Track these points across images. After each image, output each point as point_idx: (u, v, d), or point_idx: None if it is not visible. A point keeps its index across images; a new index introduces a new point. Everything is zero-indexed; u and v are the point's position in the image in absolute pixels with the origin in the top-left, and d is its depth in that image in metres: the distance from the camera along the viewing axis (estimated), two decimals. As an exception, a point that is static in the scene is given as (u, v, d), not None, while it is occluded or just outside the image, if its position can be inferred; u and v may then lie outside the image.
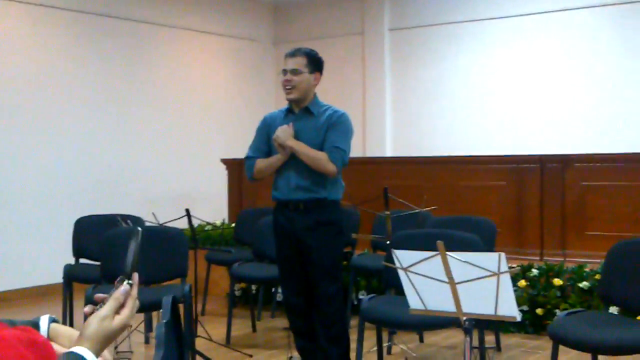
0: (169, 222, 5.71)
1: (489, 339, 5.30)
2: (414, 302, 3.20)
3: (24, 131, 8.16)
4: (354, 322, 5.56)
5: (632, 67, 8.57)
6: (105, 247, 5.15)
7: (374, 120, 10.29)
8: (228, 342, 5.94)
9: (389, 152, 10.14)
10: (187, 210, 5.73)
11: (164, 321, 2.69)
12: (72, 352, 1.55)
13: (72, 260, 6.31)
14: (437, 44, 9.87)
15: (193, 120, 9.99)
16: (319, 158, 4.39)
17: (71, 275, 6.05)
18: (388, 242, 4.83)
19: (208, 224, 6.85)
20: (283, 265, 4.67)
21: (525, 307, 6.00)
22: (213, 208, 8.90)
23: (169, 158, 9.63)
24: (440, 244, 2.95)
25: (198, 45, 10.17)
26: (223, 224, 7.27)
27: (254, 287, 7.01)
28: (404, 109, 10.15)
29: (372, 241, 6.67)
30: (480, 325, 4.50)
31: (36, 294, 8.01)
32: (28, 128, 8.19)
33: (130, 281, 1.65)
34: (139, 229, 1.73)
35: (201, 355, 5.20)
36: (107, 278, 5.07)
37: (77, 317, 6.15)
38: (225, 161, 8.75)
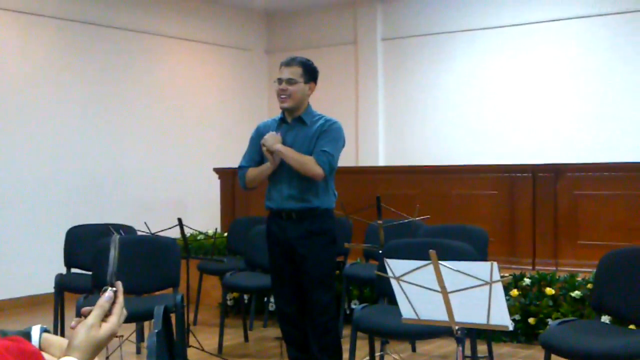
0: (161, 231, 5.70)
1: (482, 348, 5.30)
2: (406, 312, 3.19)
3: (15, 140, 8.14)
4: (346, 331, 5.55)
5: (624, 77, 8.60)
6: (96, 257, 5.12)
7: (366, 129, 10.30)
8: (220, 352, 5.92)
9: (381, 162, 10.15)
10: (180, 220, 5.73)
11: (156, 331, 2.68)
12: (61, 363, 1.54)
13: (63, 270, 6.28)
14: (429, 54, 9.89)
15: (186, 129, 9.98)
16: (306, 162, 4.39)
17: (63, 285, 6.03)
18: (380, 252, 4.82)
19: (200, 233, 6.84)
20: (276, 275, 4.67)
21: (517, 316, 6.01)
22: (205, 217, 8.88)
23: (162, 167, 9.61)
24: (432, 253, 2.95)
25: (191, 54, 10.17)
26: (215, 233, 7.23)
27: (246, 296, 7.00)
28: (397, 119, 10.16)
29: (365, 250, 6.66)
30: (473, 334, 4.49)
31: (28, 304, 7.98)
32: (18, 136, 8.17)
33: (114, 288, 1.65)
34: (117, 236, 1.73)
35: (193, 365, 5.19)
36: (99, 288, 5.02)
37: (69, 326, 6.12)
38: (218, 170, 8.74)
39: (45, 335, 1.82)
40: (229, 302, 7.19)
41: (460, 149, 9.50)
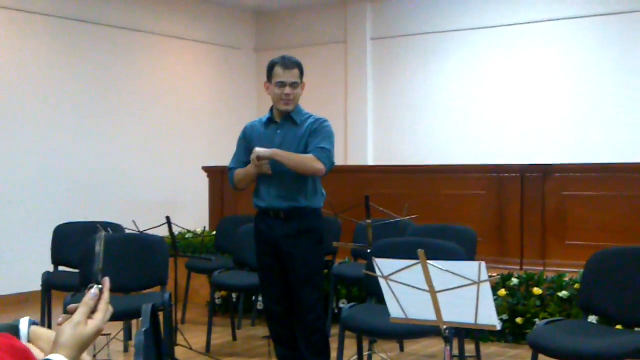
0: (149, 229, 5.68)
1: (469, 348, 5.31)
2: (394, 311, 3.19)
3: (4, 137, 8.10)
4: (334, 331, 5.54)
5: (613, 78, 8.63)
6: (84, 255, 5.10)
7: (355, 128, 10.30)
8: (208, 350, 5.91)
9: (370, 161, 10.15)
10: (168, 218, 5.71)
11: (144, 329, 2.67)
12: (48, 360, 1.54)
13: (51, 268, 6.26)
14: (419, 54, 9.90)
15: (175, 128, 9.96)
16: (306, 160, 4.39)
17: (50, 282, 6.01)
18: (369, 251, 4.82)
19: (189, 231, 6.82)
20: (264, 273, 4.67)
21: (505, 316, 6.02)
22: (194, 216, 8.85)
23: (151, 165, 9.59)
24: (421, 252, 2.95)
25: (180, 53, 10.14)
26: (204, 231, 7.24)
27: (234, 295, 6.99)
28: (386, 118, 10.17)
29: (353, 250, 6.66)
30: (461, 334, 4.50)
31: (15, 301, 7.94)
32: (8, 134, 8.13)
33: (99, 286, 1.65)
34: (103, 233, 1.73)
35: (181, 363, 5.18)
36: (86, 286, 5.02)
37: (56, 324, 6.09)
38: (206, 169, 8.73)
39: (33, 327, 1.83)
40: (217, 301, 7.18)
41: (449, 148, 9.52)
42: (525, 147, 8.96)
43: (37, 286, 6.22)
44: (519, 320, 6.02)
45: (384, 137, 10.19)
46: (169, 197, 9.66)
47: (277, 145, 4.47)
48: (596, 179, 6.79)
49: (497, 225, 7.01)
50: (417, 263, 2.98)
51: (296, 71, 4.50)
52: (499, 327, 3.02)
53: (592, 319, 4.97)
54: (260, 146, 4.47)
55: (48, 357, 1.55)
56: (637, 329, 4.23)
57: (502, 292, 6.10)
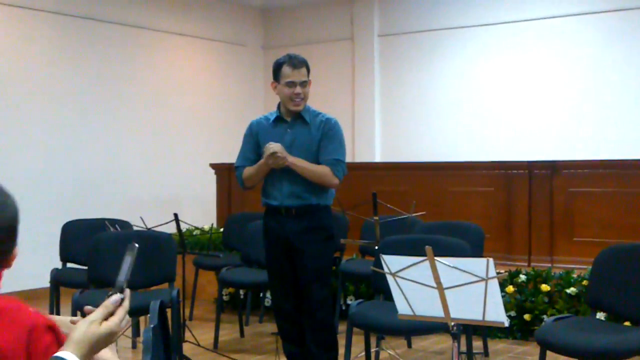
0: (157, 226, 5.70)
1: (477, 344, 5.31)
2: (402, 308, 3.20)
3: (9, 134, 8.12)
4: (342, 327, 5.55)
5: (619, 74, 8.61)
6: (92, 252, 5.12)
7: (363, 125, 10.30)
8: (216, 347, 5.93)
9: (378, 158, 10.15)
10: (176, 215, 5.72)
11: (152, 326, 2.68)
12: (57, 357, 1.54)
13: (59, 265, 6.28)
14: (426, 50, 9.89)
15: (182, 125, 9.96)
16: (323, 174, 4.43)
17: (58, 279, 6.03)
18: (376, 248, 4.82)
19: (196, 228, 6.83)
20: (273, 270, 4.67)
21: (513, 313, 6.01)
22: (201, 212, 8.88)
23: (158, 162, 9.60)
24: (428, 249, 2.95)
25: (187, 50, 10.15)
26: (211, 228, 7.25)
27: (242, 292, 7.00)
28: (393, 115, 10.16)
29: (361, 246, 6.66)
30: (468, 330, 4.50)
31: (23, 298, 7.88)
32: (13, 131, 8.15)
33: (122, 295, 1.67)
34: (136, 245, 1.73)
35: (189, 360, 5.19)
36: (94, 283, 5.05)
37: (69, 321, 6.11)
38: (214, 166, 8.73)
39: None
40: (224, 298, 7.19)
41: (456, 145, 9.50)
42: (533, 144, 8.94)
43: (45, 283, 6.24)
44: (526, 316, 6.01)
45: (391, 134, 10.18)
46: (176, 194, 9.67)
47: (288, 144, 4.46)
48: (604, 176, 6.77)
49: (505, 221, 7.00)
50: (425, 260, 2.98)
51: (304, 69, 4.49)
52: (506, 324, 3.02)
53: (600, 315, 4.96)
54: None
55: (58, 354, 1.56)
56: (645, 326, 4.22)
57: (510, 288, 6.09)
